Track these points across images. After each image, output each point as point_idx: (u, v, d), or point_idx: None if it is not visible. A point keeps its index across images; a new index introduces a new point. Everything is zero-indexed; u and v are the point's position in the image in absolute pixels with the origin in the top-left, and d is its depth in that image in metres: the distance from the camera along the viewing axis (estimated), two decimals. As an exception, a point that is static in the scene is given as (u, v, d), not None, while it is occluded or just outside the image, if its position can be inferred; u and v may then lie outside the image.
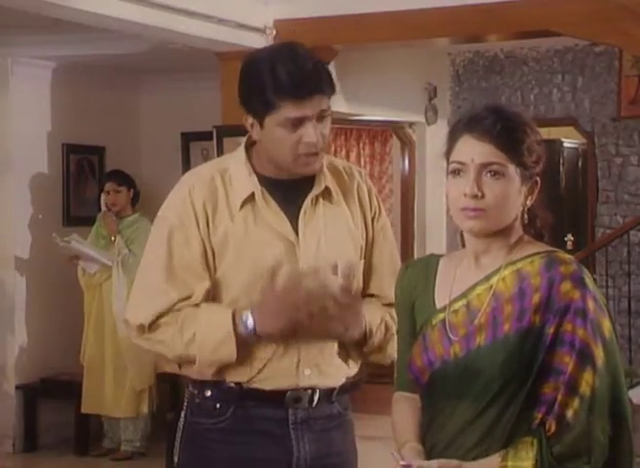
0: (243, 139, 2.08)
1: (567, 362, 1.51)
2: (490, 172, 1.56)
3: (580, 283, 1.53)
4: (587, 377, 1.50)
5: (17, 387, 5.49)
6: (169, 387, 5.42)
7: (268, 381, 1.97)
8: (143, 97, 6.23)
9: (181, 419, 2.06)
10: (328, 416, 2.00)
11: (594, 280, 1.60)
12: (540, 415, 1.52)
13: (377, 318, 2.03)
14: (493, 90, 6.45)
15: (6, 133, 5.47)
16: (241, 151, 2.05)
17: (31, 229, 5.62)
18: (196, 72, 5.54)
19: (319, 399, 2.00)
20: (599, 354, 1.52)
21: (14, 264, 5.52)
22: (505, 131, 1.57)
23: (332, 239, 2.02)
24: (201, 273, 1.97)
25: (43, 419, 5.54)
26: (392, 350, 2.06)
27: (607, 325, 1.54)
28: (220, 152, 4.83)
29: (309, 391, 1.98)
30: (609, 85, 6.19)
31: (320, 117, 1.95)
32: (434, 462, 1.55)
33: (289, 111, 1.92)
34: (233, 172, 2.02)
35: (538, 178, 1.62)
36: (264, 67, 1.94)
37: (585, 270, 1.57)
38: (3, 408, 5.44)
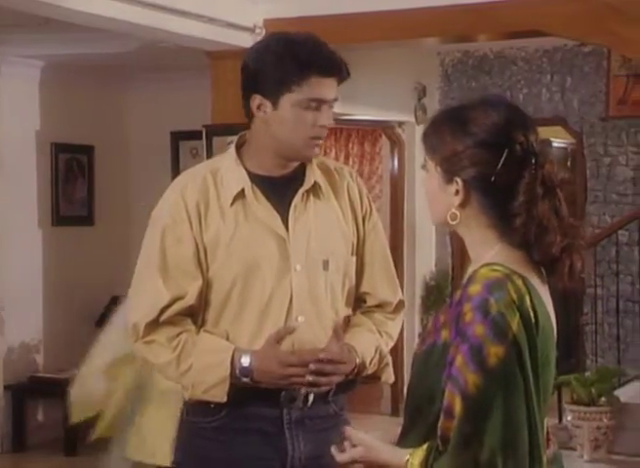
0: (232, 139, 2.09)
1: (445, 382, 1.46)
2: (423, 166, 1.60)
3: (477, 306, 1.43)
4: (457, 403, 1.43)
5: (5, 387, 5.47)
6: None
7: None
8: (133, 96, 6.22)
9: (177, 419, 2.09)
10: (324, 416, 2.01)
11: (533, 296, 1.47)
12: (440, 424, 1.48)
13: (371, 349, 2.05)
14: (482, 89, 6.46)
15: (-6, 132, 5.46)
16: (232, 150, 2.06)
17: (20, 229, 5.60)
18: (186, 71, 5.53)
19: (314, 399, 2.00)
20: (472, 380, 1.42)
21: (2, 264, 5.50)
22: (431, 127, 1.58)
23: (322, 234, 2.04)
24: (194, 272, 1.98)
25: (31, 419, 5.52)
26: (387, 377, 2.12)
27: (496, 351, 1.42)
28: (210, 151, 4.83)
29: (304, 391, 1.99)
30: (597, 85, 6.21)
31: (331, 105, 1.98)
32: (361, 435, 1.57)
33: (310, 91, 1.93)
34: (224, 171, 2.03)
35: (459, 180, 1.52)
36: (287, 46, 1.95)
37: (500, 291, 1.44)
38: (-9, 407, 5.43)
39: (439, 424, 1.46)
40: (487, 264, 1.49)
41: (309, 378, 1.93)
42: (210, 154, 4.72)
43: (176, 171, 5.46)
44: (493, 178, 1.49)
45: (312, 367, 1.92)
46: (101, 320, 5.86)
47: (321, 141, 2.01)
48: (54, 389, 5.45)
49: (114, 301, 5.63)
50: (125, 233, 5.89)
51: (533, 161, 1.50)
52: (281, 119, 1.95)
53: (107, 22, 4.15)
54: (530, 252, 1.50)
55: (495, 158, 1.49)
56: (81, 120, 5.88)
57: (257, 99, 1.95)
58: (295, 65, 1.92)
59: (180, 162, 5.82)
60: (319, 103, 1.95)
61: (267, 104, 1.95)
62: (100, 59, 5.45)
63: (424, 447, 1.48)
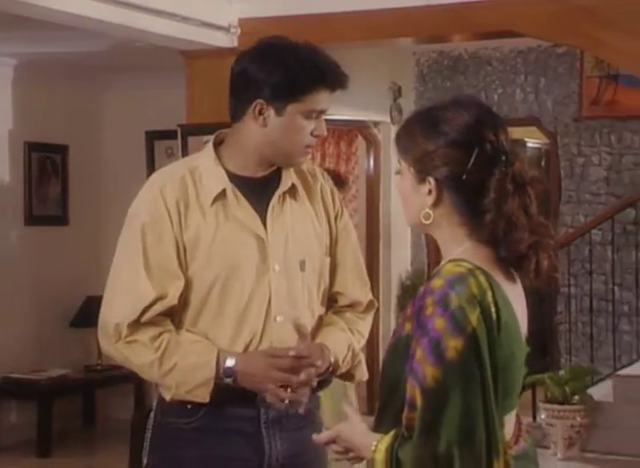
0: (208, 138, 2.09)
1: (407, 375, 1.48)
2: (397, 172, 1.63)
3: (438, 300, 1.46)
4: (417, 395, 1.46)
5: (-22, 388, 5.43)
6: (133, 388, 5.38)
7: None
8: (107, 95, 6.19)
9: (151, 420, 2.07)
10: (299, 415, 2.01)
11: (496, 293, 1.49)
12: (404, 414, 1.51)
13: (343, 348, 2.07)
14: (457, 90, 6.49)
15: (-34, 130, 5.41)
16: (210, 149, 2.06)
17: (-7, 228, 5.56)
18: (161, 70, 5.51)
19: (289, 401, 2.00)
20: (430, 373, 1.45)
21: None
22: (403, 129, 1.61)
23: (298, 235, 2.06)
24: (175, 271, 1.98)
25: (4, 420, 5.48)
26: (361, 374, 2.14)
27: (455, 345, 1.44)
28: (185, 151, 4.81)
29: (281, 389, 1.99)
30: (571, 86, 6.26)
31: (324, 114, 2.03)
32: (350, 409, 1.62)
33: (316, 102, 1.98)
34: (203, 170, 2.03)
35: (432, 179, 1.55)
36: (299, 54, 1.97)
37: (461, 286, 1.47)
38: (-36, 409, 5.38)
39: (403, 415, 1.49)
40: (453, 260, 1.53)
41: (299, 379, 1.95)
42: (185, 153, 4.71)
43: (151, 170, 5.44)
44: (464, 177, 1.52)
45: (295, 379, 1.95)
46: (76, 320, 5.83)
47: (311, 149, 2.06)
48: (27, 390, 5.42)
49: (89, 301, 5.60)
50: (99, 233, 5.86)
51: (503, 159, 1.53)
52: (283, 126, 1.98)
53: (81, 21, 4.13)
54: (498, 249, 1.52)
55: (466, 157, 1.52)
56: (55, 119, 5.84)
57: (259, 105, 1.97)
58: (307, 78, 1.95)
59: (156, 161, 5.80)
60: (319, 114, 2.00)
61: (271, 111, 1.97)
62: (74, 58, 5.42)
63: (391, 433, 1.52)
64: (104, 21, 4.14)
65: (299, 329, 1.98)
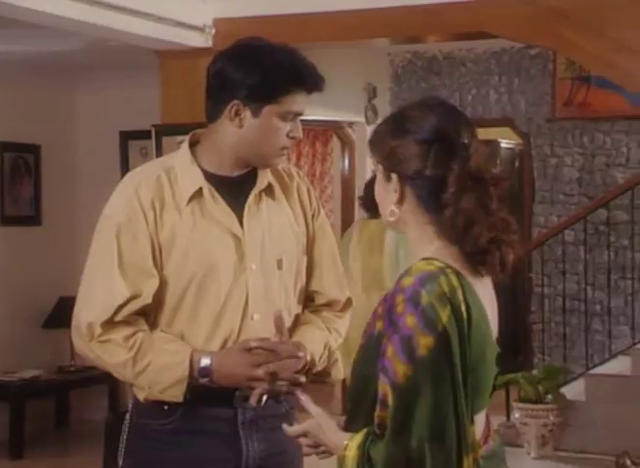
0: (182, 138, 2.09)
1: (378, 373, 1.49)
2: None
3: (409, 298, 1.48)
4: (389, 393, 1.47)
5: (-50, 390, 5.38)
6: (107, 389, 5.36)
7: None
8: (81, 94, 6.15)
9: (126, 421, 2.06)
10: (276, 415, 2.01)
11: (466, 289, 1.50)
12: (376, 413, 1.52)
13: (320, 346, 2.08)
14: (431, 90, 6.53)
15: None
16: (185, 149, 2.06)
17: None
18: (135, 70, 5.49)
19: (267, 398, 2.01)
20: (401, 371, 1.46)
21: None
22: (375, 128, 1.65)
23: (275, 234, 2.06)
24: (150, 270, 1.97)
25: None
26: (337, 373, 2.14)
27: (426, 342, 1.46)
28: (160, 151, 4.81)
29: (258, 392, 1.99)
30: (543, 87, 6.32)
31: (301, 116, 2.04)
32: (317, 408, 1.63)
33: (293, 104, 1.98)
34: (179, 169, 2.03)
35: (395, 176, 1.58)
36: (277, 55, 1.98)
37: (432, 284, 1.48)
38: None
39: (375, 413, 1.50)
40: (424, 258, 1.54)
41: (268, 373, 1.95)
42: (159, 154, 4.70)
43: (125, 170, 5.42)
44: (425, 172, 1.56)
45: (272, 366, 1.94)
46: (49, 321, 5.79)
47: (287, 151, 2.06)
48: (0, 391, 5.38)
49: (62, 302, 5.57)
50: (73, 233, 5.83)
51: (462, 155, 1.55)
52: (260, 127, 1.98)
53: (54, 20, 4.11)
54: (463, 246, 1.54)
55: (426, 153, 1.55)
56: (27, 118, 5.80)
57: (235, 106, 1.97)
58: (284, 80, 1.96)
59: (130, 161, 5.78)
60: (295, 116, 2.01)
61: (247, 112, 1.98)
62: (47, 57, 5.39)
63: (363, 431, 1.52)
64: (78, 21, 4.13)
65: (277, 322, 1.98)
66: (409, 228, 1.61)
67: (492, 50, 6.40)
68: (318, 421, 1.61)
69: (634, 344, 5.57)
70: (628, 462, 4.28)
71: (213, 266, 1.99)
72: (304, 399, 1.66)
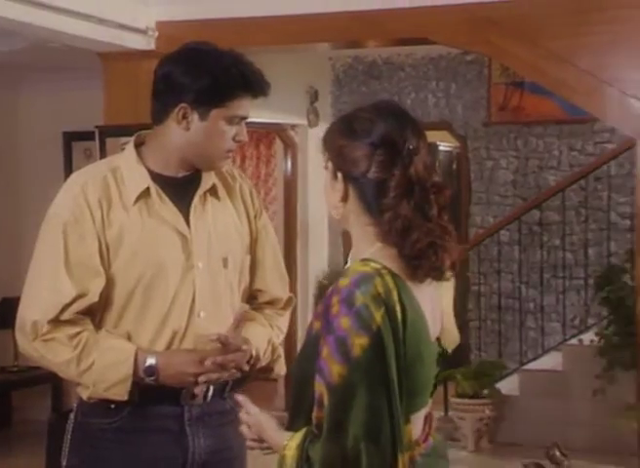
0: (126, 140, 2.12)
1: (315, 373, 1.50)
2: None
3: (344, 298, 1.49)
4: (325, 393, 1.48)
5: None
6: (50, 389, 5.35)
7: None
8: (24, 95, 6.10)
9: (71, 421, 2.06)
10: (221, 412, 2.04)
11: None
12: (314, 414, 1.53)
13: (264, 342, 2.11)
14: (372, 94, 6.61)
15: None
16: (131, 150, 2.07)
17: None
18: (77, 71, 5.45)
19: (213, 394, 2.05)
20: (336, 371, 1.47)
21: None
22: (329, 127, 1.67)
23: (220, 233, 2.09)
24: (96, 269, 1.97)
25: None
26: (280, 368, 2.18)
27: (361, 343, 1.47)
28: (103, 152, 4.80)
29: (204, 387, 2.02)
30: (479, 92, 6.45)
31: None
32: (254, 409, 1.65)
33: (239, 108, 2.00)
34: (125, 169, 2.04)
35: (340, 174, 1.60)
36: (224, 60, 2.00)
37: (367, 285, 1.49)
38: None
39: (313, 414, 1.51)
40: (362, 260, 1.56)
41: (220, 374, 1.97)
42: (103, 155, 4.69)
43: (69, 171, 5.40)
44: (368, 175, 1.58)
45: (219, 358, 1.96)
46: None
47: (232, 154, 2.09)
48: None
49: (5, 303, 5.53)
50: (16, 234, 5.79)
51: (406, 161, 1.57)
52: (206, 130, 2.00)
53: (-5, 20, 4.06)
54: (400, 248, 1.55)
55: (371, 156, 1.57)
56: (-32, 119, 5.74)
57: (183, 109, 1.99)
58: (231, 85, 1.98)
59: (74, 162, 5.76)
60: (241, 119, 2.03)
61: (195, 115, 1.99)
62: (-12, 58, 5.34)
63: (302, 431, 1.54)
64: (19, 22, 4.03)
65: (236, 318, 2.01)
66: (352, 227, 1.62)
67: (430, 55, 6.50)
68: (259, 419, 1.63)
69: (565, 340, 5.74)
70: (557, 453, 4.43)
71: (161, 265, 1.99)
72: (242, 399, 1.67)
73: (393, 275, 1.52)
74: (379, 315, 1.48)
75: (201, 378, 1.98)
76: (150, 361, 1.95)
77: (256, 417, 1.63)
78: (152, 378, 1.96)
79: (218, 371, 1.97)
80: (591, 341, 5.39)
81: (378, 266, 1.52)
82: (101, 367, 1.95)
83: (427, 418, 1.64)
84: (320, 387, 1.49)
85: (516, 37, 4.28)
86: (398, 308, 1.50)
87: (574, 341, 5.61)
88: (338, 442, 1.46)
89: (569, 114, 5.99)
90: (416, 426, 1.58)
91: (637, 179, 4.18)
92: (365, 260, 1.55)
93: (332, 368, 1.47)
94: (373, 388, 1.47)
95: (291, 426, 1.58)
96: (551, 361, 5.68)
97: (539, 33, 4.21)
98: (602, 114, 4.40)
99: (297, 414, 1.58)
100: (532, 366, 5.73)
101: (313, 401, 1.51)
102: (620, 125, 4.44)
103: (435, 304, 1.63)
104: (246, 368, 2.03)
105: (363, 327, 1.47)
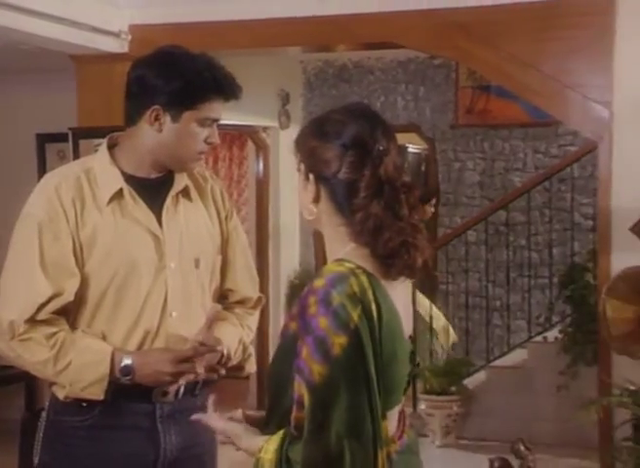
0: (99, 141, 2.15)
1: (294, 374, 1.51)
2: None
3: (320, 299, 1.49)
4: (305, 393, 1.48)
5: None
6: (23, 388, 5.36)
7: None
8: (-5, 97, 6.11)
9: (43, 418, 2.08)
10: (192, 409, 2.01)
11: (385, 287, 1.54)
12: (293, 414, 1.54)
13: (235, 340, 2.14)
14: (342, 97, 6.68)
15: None
16: (104, 151, 2.09)
17: None
18: (51, 73, 5.44)
19: (184, 392, 2.09)
20: (317, 371, 1.48)
21: None
22: (302, 128, 1.69)
23: (192, 234, 2.13)
24: (72, 269, 1.99)
25: None
26: (250, 366, 2.23)
27: (340, 342, 1.48)
28: (77, 154, 4.83)
29: (176, 385, 2.05)
30: (447, 95, 6.53)
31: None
32: (222, 425, 1.67)
33: (211, 111, 2.03)
34: (98, 170, 2.06)
35: (312, 175, 1.62)
36: (196, 64, 2.02)
37: (342, 284, 1.50)
38: None
39: (292, 415, 1.51)
40: (336, 260, 1.57)
41: (199, 370, 2.01)
42: (77, 157, 4.71)
43: (42, 173, 5.37)
44: (339, 176, 1.59)
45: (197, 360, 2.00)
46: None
47: (204, 156, 2.13)
48: None
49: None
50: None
51: (376, 162, 1.58)
52: (178, 132, 2.03)
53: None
54: (373, 248, 1.56)
55: (341, 157, 1.59)
56: (-60, 120, 5.72)
57: (156, 111, 2.01)
58: (203, 88, 2.01)
59: (47, 164, 5.76)
60: (213, 122, 2.06)
61: (167, 117, 2.02)
62: (-40, 59, 5.33)
63: (280, 434, 1.54)
64: None
65: (209, 318, 2.04)
66: (325, 228, 1.63)
67: (398, 59, 6.56)
68: (225, 431, 1.63)
69: (530, 338, 5.82)
70: (522, 448, 4.52)
71: (134, 265, 2.02)
72: (207, 417, 1.69)
73: (368, 274, 1.54)
74: (356, 314, 1.49)
75: (180, 381, 2.01)
76: (126, 361, 1.98)
77: (223, 431, 1.64)
78: (128, 378, 1.98)
79: (193, 372, 2.01)
80: (555, 338, 5.49)
81: (352, 266, 1.54)
82: (78, 366, 1.97)
83: (401, 415, 1.66)
84: (300, 387, 1.50)
85: (482, 42, 4.37)
86: (374, 307, 1.51)
87: (539, 339, 5.69)
88: (320, 440, 1.47)
89: (533, 118, 6.08)
90: (391, 423, 1.60)
91: (599, 181, 4.26)
92: (339, 260, 1.56)
93: (312, 367, 1.48)
94: (353, 386, 1.48)
95: (266, 428, 1.59)
96: (517, 358, 5.75)
97: (504, 38, 4.31)
98: (565, 117, 4.52)
99: (273, 416, 1.60)
100: (498, 363, 5.80)
101: (292, 402, 1.52)
102: (582, 128, 4.53)
103: (407, 302, 1.65)
104: (221, 370, 2.07)
105: (341, 326, 1.48)
